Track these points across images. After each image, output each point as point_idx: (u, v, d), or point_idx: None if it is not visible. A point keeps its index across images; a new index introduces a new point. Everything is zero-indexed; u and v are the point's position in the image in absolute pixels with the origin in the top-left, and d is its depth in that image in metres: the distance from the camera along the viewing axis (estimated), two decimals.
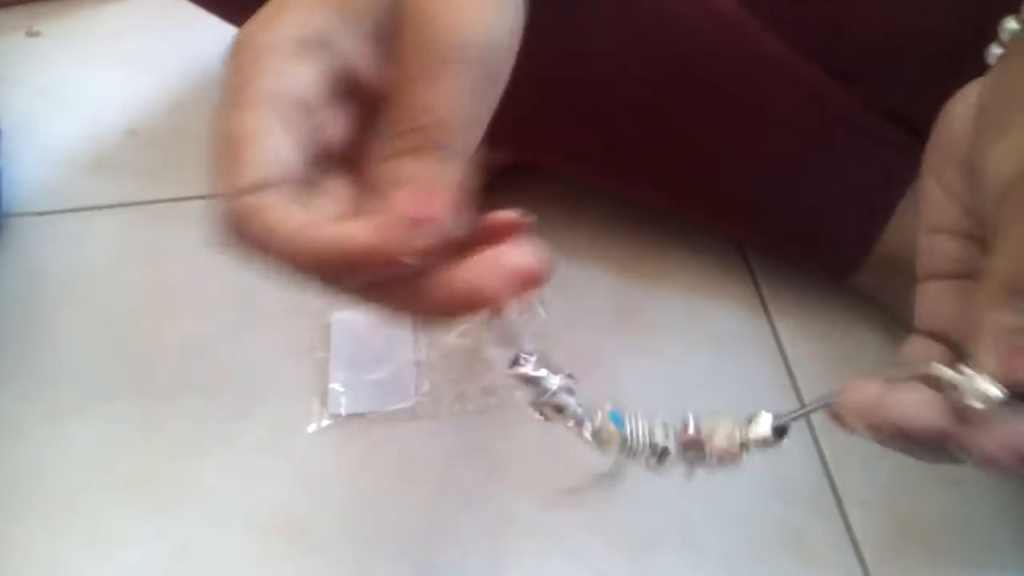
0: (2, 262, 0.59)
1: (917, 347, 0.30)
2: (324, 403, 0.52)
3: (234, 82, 0.27)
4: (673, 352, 0.55)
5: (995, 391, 0.24)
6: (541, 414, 0.29)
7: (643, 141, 0.52)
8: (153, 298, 0.57)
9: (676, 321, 0.57)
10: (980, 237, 0.30)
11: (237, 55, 0.28)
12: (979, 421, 0.25)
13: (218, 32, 0.60)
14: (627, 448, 0.29)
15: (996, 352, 0.26)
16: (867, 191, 0.52)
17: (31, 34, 0.78)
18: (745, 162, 0.52)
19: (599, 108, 0.51)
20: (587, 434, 0.29)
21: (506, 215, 0.28)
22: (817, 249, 0.54)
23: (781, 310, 0.57)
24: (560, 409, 0.29)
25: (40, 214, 0.63)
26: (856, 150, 0.52)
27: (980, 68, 0.33)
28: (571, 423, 0.29)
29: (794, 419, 0.29)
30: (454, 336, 0.54)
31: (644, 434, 0.29)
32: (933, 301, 0.32)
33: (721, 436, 0.29)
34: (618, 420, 0.29)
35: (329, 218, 0.27)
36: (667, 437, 0.29)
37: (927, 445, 0.26)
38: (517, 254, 0.26)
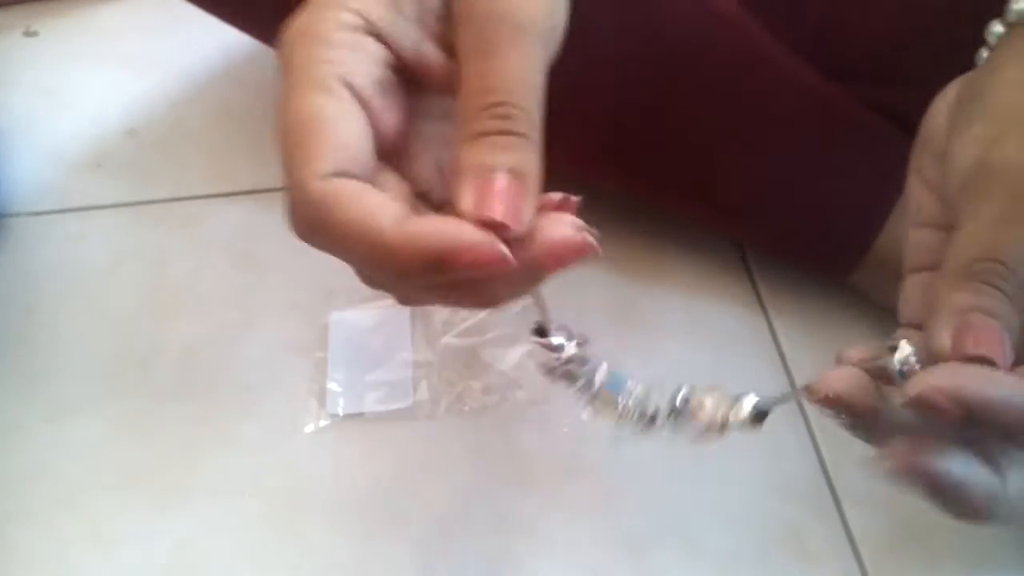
0: (0, 262, 0.60)
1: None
2: (322, 403, 0.52)
3: (299, 66, 0.26)
4: (671, 350, 0.55)
5: (910, 356, 0.27)
6: (551, 377, 0.29)
7: (642, 141, 0.52)
8: (152, 298, 0.57)
9: (674, 319, 0.57)
10: None
11: (298, 40, 0.27)
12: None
13: (216, 32, 0.60)
14: (620, 412, 0.30)
15: (948, 329, 0.26)
16: (866, 190, 0.52)
17: (29, 34, 0.78)
18: (744, 162, 0.52)
19: (599, 108, 0.51)
20: (586, 400, 0.30)
21: (555, 195, 0.27)
22: (816, 248, 0.54)
23: (778, 308, 0.57)
24: (571, 376, 0.29)
25: (38, 214, 0.63)
26: (855, 149, 0.52)
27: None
28: (576, 388, 0.30)
29: (774, 404, 0.30)
30: (452, 336, 0.54)
31: (637, 401, 0.30)
32: (914, 293, 0.33)
33: (707, 411, 0.30)
34: (616, 386, 0.30)
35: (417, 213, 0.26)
36: (659, 405, 0.30)
37: (856, 418, 0.28)
38: (569, 225, 0.26)
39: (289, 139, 0.26)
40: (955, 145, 0.30)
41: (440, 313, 0.55)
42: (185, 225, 0.62)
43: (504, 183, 0.25)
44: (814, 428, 0.51)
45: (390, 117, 0.28)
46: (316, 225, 0.25)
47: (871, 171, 0.52)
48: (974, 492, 0.26)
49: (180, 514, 0.47)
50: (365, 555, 0.46)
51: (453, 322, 0.55)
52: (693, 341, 0.56)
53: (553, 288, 0.29)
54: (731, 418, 0.30)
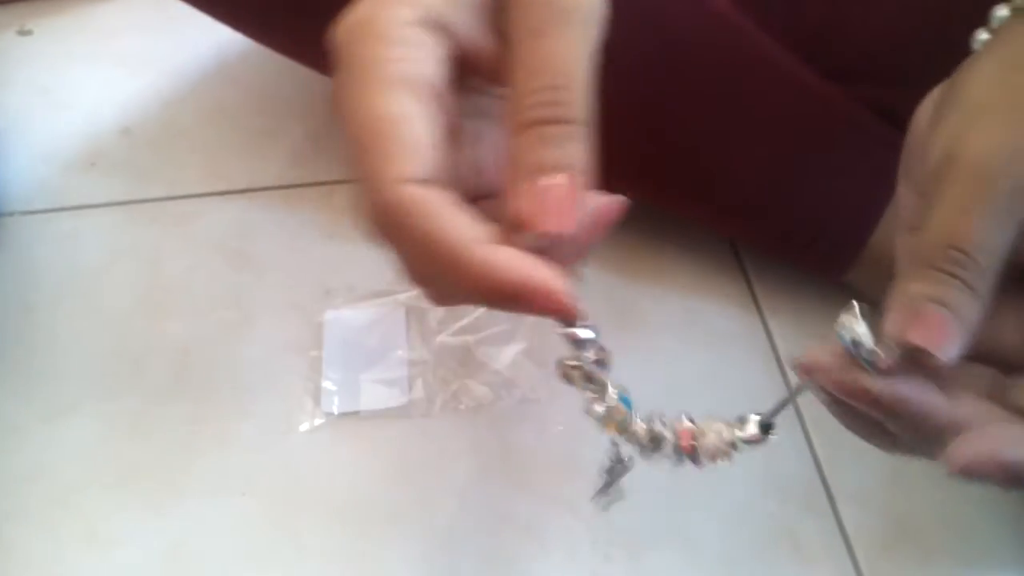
0: None
1: None
2: (317, 402, 0.52)
3: (365, 64, 0.26)
4: (668, 350, 0.55)
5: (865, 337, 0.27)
6: (566, 376, 0.29)
7: (639, 141, 0.52)
8: (147, 297, 0.57)
9: (670, 320, 0.57)
10: None
11: (359, 37, 0.27)
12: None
13: (210, 31, 0.60)
14: (628, 431, 0.30)
15: (899, 316, 0.26)
16: (863, 189, 0.52)
17: (23, 33, 0.78)
18: (741, 162, 0.52)
19: (594, 107, 0.51)
20: (599, 408, 0.30)
21: (601, 199, 0.28)
22: (813, 248, 0.54)
23: (773, 308, 0.58)
24: (589, 378, 0.29)
25: (33, 213, 0.63)
26: (852, 149, 0.52)
27: None
28: (591, 394, 0.30)
29: (775, 413, 0.30)
30: (447, 335, 0.55)
31: (644, 423, 0.30)
32: None
33: (712, 435, 0.30)
34: (627, 403, 0.30)
35: (492, 235, 0.26)
36: (664, 429, 0.30)
37: (837, 390, 0.28)
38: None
39: (364, 140, 0.25)
40: (930, 142, 0.30)
41: (435, 312, 0.55)
42: (179, 224, 0.62)
43: (558, 191, 0.26)
44: (809, 428, 0.52)
45: (450, 114, 0.28)
46: (394, 230, 0.25)
47: (867, 170, 0.52)
48: None
49: (176, 513, 0.47)
50: (360, 553, 0.46)
51: (448, 321, 0.55)
52: (689, 341, 0.56)
53: None
54: (738, 437, 0.30)
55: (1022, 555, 0.47)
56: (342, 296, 0.56)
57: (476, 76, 0.29)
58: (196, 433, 0.51)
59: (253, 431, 0.51)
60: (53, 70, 0.75)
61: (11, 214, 0.62)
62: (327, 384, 0.52)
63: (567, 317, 0.26)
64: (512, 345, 0.54)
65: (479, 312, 0.55)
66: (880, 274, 0.52)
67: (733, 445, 0.30)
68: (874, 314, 0.28)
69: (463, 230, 0.25)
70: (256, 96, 0.71)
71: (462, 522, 0.47)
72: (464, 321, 0.55)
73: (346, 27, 0.27)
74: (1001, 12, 0.32)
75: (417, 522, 0.47)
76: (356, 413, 0.51)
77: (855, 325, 0.27)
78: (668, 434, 0.30)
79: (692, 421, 0.30)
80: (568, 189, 0.26)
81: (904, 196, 0.34)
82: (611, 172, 0.55)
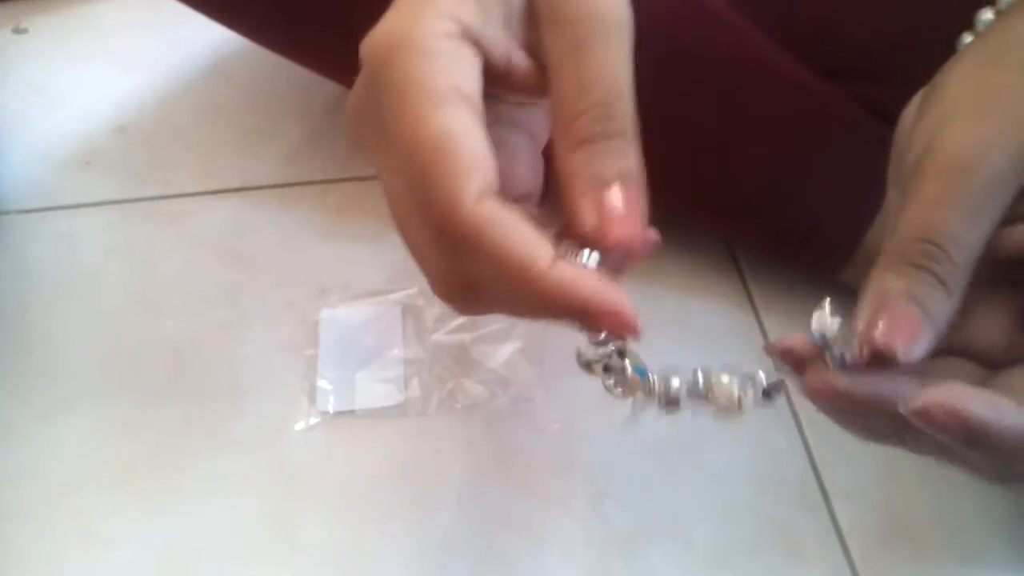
0: None
1: None
2: (313, 401, 0.52)
3: (408, 79, 0.26)
4: (663, 348, 0.55)
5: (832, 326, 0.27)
6: (587, 368, 0.30)
7: None
8: (142, 296, 0.57)
9: (665, 318, 0.57)
10: None
11: (397, 52, 0.26)
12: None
13: (205, 30, 0.60)
14: (648, 392, 0.31)
15: (868, 311, 0.27)
16: (859, 188, 0.52)
17: (18, 31, 0.78)
18: (737, 161, 0.53)
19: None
20: (619, 389, 0.30)
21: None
22: (808, 246, 0.54)
23: (768, 306, 0.58)
24: (608, 369, 0.30)
25: (27, 211, 0.63)
26: (848, 147, 0.52)
27: None
28: (610, 381, 0.30)
29: (776, 383, 0.31)
30: (443, 333, 0.55)
31: (662, 378, 0.31)
32: None
33: (721, 392, 0.31)
34: (641, 372, 0.30)
35: (565, 258, 0.26)
36: (679, 387, 0.31)
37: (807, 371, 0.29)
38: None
39: (426, 157, 0.25)
40: (911, 140, 0.30)
41: (431, 310, 0.55)
42: (174, 222, 0.62)
43: (621, 199, 0.26)
44: (803, 425, 0.52)
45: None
46: (467, 247, 0.25)
47: (863, 169, 0.52)
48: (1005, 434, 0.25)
49: (172, 512, 0.47)
50: (356, 552, 0.46)
51: (444, 319, 0.55)
52: (684, 339, 0.56)
53: None
54: (741, 395, 0.30)
55: (1017, 552, 0.47)
56: (337, 295, 0.56)
57: (499, 86, 0.29)
58: (192, 432, 0.51)
59: (249, 430, 0.51)
60: (48, 69, 0.75)
61: (6, 213, 0.62)
62: (323, 383, 0.52)
63: (630, 334, 0.27)
64: (508, 344, 0.54)
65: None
66: None
67: (740, 402, 0.30)
68: (848, 312, 0.28)
69: (536, 247, 0.25)
70: (251, 95, 0.71)
71: (458, 520, 0.47)
72: (460, 320, 0.55)
73: (380, 42, 0.27)
74: (986, 16, 0.32)
75: (413, 520, 0.47)
76: (352, 412, 0.51)
77: (825, 321, 0.27)
78: (682, 393, 0.31)
79: (706, 377, 0.31)
80: (630, 198, 0.26)
81: (891, 196, 0.34)
82: None
